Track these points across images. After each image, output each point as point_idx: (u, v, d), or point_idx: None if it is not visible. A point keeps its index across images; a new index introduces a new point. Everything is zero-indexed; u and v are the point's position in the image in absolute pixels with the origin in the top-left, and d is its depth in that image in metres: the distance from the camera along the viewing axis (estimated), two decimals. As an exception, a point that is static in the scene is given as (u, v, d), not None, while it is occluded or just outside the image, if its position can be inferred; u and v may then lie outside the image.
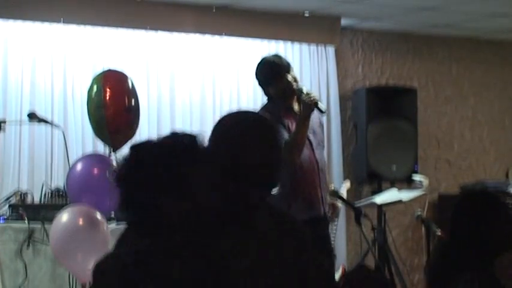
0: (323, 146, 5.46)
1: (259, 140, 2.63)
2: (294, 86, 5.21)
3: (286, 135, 5.09)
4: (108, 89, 5.20)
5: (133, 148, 2.36)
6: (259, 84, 5.35)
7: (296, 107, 5.23)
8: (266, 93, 5.32)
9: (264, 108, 5.25)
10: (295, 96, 5.22)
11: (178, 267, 2.23)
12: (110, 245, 4.74)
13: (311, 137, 5.25)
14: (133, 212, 2.33)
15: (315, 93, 5.29)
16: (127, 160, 2.33)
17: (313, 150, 5.23)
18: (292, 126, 5.16)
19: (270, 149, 2.65)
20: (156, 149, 2.34)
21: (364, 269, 3.39)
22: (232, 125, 2.64)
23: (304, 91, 5.17)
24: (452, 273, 3.33)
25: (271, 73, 5.24)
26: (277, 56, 5.41)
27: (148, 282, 2.21)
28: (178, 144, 2.34)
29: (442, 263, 3.45)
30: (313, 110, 5.14)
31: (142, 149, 2.35)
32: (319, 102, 5.16)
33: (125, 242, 2.37)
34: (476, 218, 3.41)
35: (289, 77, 5.22)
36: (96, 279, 2.35)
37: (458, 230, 3.46)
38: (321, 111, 5.23)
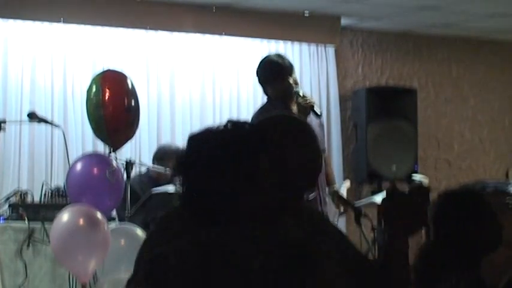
0: (324, 149, 5.46)
1: (306, 146, 2.63)
2: (294, 89, 5.21)
3: None
4: (106, 89, 5.19)
5: (195, 137, 2.35)
6: (259, 82, 5.35)
7: (294, 109, 5.22)
8: (265, 92, 5.33)
9: (262, 108, 5.27)
10: (294, 99, 5.22)
11: (259, 256, 2.22)
12: (110, 245, 4.75)
13: None
14: (202, 201, 2.28)
15: (311, 97, 5.30)
16: (194, 148, 2.31)
17: None
18: None
19: (315, 155, 2.65)
20: (224, 137, 2.32)
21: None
22: (279, 129, 2.60)
23: (301, 94, 5.19)
24: (438, 273, 3.32)
25: (272, 74, 5.24)
26: (280, 57, 5.39)
27: (223, 272, 2.20)
28: (246, 134, 2.33)
29: (427, 264, 3.43)
30: (309, 114, 5.16)
31: (206, 138, 2.33)
32: (315, 106, 5.18)
33: (180, 233, 2.29)
34: (461, 217, 3.38)
35: (290, 80, 5.22)
36: (159, 275, 2.24)
37: (442, 230, 3.43)
38: (316, 114, 5.24)
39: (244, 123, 2.36)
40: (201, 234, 2.24)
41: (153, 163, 6.38)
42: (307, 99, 5.15)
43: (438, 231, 3.43)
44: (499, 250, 3.34)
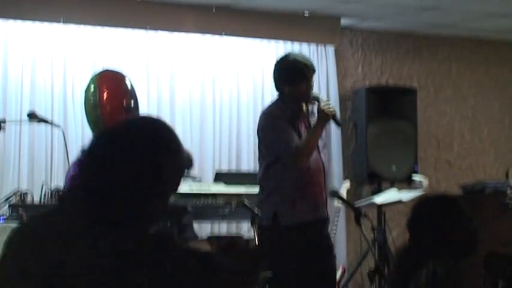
0: (328, 150, 5.49)
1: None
2: (312, 93, 5.21)
3: (297, 139, 5.10)
4: (104, 89, 5.18)
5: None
6: (277, 79, 5.25)
7: (304, 109, 5.22)
8: (280, 90, 5.25)
9: (274, 106, 5.24)
10: (309, 102, 5.21)
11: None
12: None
13: (319, 140, 5.25)
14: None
15: (332, 104, 5.29)
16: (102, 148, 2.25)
17: (319, 152, 5.25)
18: (302, 129, 5.17)
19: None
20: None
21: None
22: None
23: (323, 100, 5.17)
24: (415, 266, 3.33)
25: (295, 74, 5.16)
26: (304, 58, 5.31)
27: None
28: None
29: (404, 268, 3.43)
30: (329, 121, 5.16)
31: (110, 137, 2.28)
32: (336, 114, 5.18)
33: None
34: (437, 222, 3.39)
35: (311, 83, 5.19)
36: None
37: (419, 235, 3.44)
38: (337, 123, 5.24)
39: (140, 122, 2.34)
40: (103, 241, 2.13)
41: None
42: (330, 107, 5.13)
43: (415, 236, 3.45)
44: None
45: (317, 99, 5.17)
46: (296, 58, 5.27)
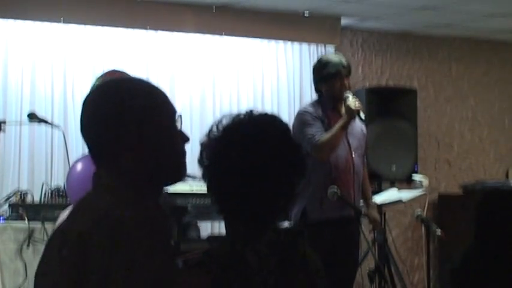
0: (363, 154, 5.60)
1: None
2: (345, 91, 5.38)
3: (322, 132, 5.30)
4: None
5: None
6: (314, 80, 5.54)
7: (342, 110, 5.40)
8: (318, 89, 5.51)
9: (309, 104, 5.53)
10: (343, 101, 5.38)
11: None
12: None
13: (351, 140, 5.42)
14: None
15: (359, 101, 5.43)
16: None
17: (351, 152, 5.36)
18: None
19: None
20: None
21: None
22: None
23: (351, 97, 5.33)
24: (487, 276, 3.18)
25: (330, 71, 5.39)
26: (338, 56, 5.59)
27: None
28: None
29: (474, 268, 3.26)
30: (355, 117, 5.32)
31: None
32: (361, 111, 5.33)
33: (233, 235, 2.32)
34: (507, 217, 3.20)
35: (346, 82, 5.39)
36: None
37: (486, 232, 3.23)
38: (361, 119, 5.39)
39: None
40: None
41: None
42: (356, 103, 5.29)
43: (482, 233, 3.26)
44: None
45: (346, 96, 5.35)
46: (329, 56, 5.66)
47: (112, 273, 1.90)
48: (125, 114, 2.08)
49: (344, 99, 5.33)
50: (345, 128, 5.30)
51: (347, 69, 5.44)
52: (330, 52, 8.05)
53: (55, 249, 1.98)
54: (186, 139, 2.14)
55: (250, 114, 2.37)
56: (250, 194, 2.26)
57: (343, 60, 5.49)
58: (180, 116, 2.20)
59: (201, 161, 2.34)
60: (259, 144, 2.29)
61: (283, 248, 2.29)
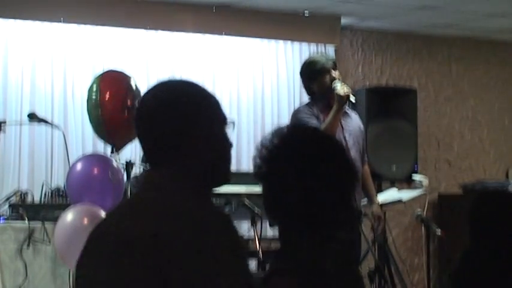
0: (360, 150, 5.61)
1: None
2: (333, 83, 5.45)
3: (316, 124, 5.34)
4: (105, 89, 5.19)
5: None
6: (303, 81, 5.62)
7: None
8: (310, 91, 5.58)
9: (302, 105, 5.64)
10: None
11: None
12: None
13: (347, 136, 5.45)
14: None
15: (348, 86, 5.50)
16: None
17: (348, 149, 5.37)
18: None
19: None
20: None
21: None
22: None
23: (339, 84, 5.40)
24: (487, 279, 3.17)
25: (317, 67, 5.49)
26: (322, 54, 5.86)
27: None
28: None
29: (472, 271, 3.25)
30: (345, 103, 5.39)
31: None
32: (351, 95, 5.39)
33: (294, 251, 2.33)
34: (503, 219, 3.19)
35: (333, 74, 5.48)
36: None
37: (483, 234, 3.23)
38: (352, 103, 5.45)
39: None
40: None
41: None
42: (345, 89, 5.37)
43: (479, 235, 3.25)
44: None
45: (334, 86, 5.41)
46: (313, 55, 5.88)
47: (197, 273, 1.95)
48: (190, 116, 2.14)
49: (333, 89, 5.40)
50: (338, 114, 5.36)
51: (331, 62, 5.58)
52: (330, 52, 8.07)
53: (116, 253, 2.01)
54: (231, 145, 2.24)
55: (303, 129, 2.52)
56: (315, 206, 2.31)
57: (326, 56, 5.69)
58: (233, 122, 2.27)
59: (259, 176, 2.37)
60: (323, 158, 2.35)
61: (347, 256, 2.41)
